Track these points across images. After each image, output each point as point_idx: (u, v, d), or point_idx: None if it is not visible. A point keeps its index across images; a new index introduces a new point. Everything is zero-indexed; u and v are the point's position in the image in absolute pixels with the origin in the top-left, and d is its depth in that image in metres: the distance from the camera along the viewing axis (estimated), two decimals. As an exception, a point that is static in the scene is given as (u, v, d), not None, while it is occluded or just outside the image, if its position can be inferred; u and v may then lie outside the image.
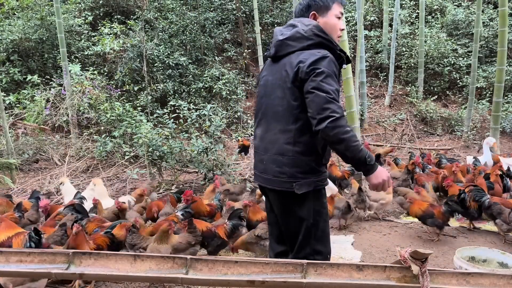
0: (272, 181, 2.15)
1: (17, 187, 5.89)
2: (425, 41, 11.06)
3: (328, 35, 2.12)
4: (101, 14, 11.15)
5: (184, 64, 10.11)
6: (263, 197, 4.42)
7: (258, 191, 4.56)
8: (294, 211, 2.17)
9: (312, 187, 2.11)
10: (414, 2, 13.13)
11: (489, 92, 10.29)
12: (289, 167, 2.08)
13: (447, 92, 11.33)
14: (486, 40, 11.52)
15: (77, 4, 10.81)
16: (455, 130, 9.74)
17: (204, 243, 3.34)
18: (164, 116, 6.16)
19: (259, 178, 2.27)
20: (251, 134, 9.24)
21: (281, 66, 2.14)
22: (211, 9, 12.26)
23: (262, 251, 3.44)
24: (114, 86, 9.11)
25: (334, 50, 2.12)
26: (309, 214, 2.15)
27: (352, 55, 9.80)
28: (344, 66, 2.20)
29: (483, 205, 4.11)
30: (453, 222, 4.51)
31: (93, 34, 10.33)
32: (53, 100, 7.99)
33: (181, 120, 6.73)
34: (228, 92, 9.92)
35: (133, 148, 6.30)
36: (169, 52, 10.17)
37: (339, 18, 2.23)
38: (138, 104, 8.82)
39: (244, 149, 7.58)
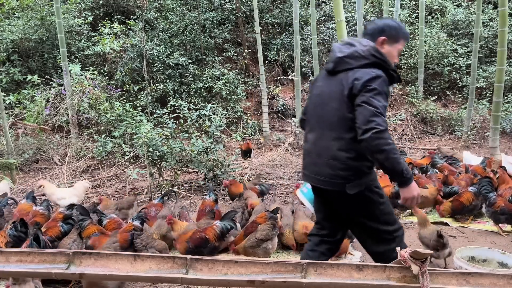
0: (327, 183, 2.36)
1: (17, 187, 5.89)
2: (425, 41, 11.06)
3: (383, 56, 2.35)
4: (101, 14, 11.15)
5: (184, 64, 10.11)
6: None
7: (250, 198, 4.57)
8: (359, 207, 2.38)
9: (363, 187, 2.31)
10: (414, 2, 13.12)
11: (489, 92, 10.28)
12: (342, 171, 2.29)
13: (447, 92, 11.32)
14: (486, 40, 11.52)
15: (77, 4, 10.81)
16: (455, 130, 9.74)
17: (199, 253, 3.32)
18: (164, 116, 6.16)
19: (312, 179, 2.48)
20: (251, 134, 9.24)
21: (338, 80, 2.34)
22: (211, 9, 12.25)
23: (265, 253, 3.43)
24: (114, 86, 9.11)
25: (387, 69, 2.32)
26: (375, 207, 2.37)
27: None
28: (395, 84, 2.40)
29: (488, 201, 4.13)
30: (453, 222, 4.52)
31: (93, 34, 10.33)
32: (53, 100, 7.99)
33: (181, 120, 6.72)
34: (228, 92, 9.93)
35: (133, 148, 6.30)
36: (169, 52, 10.17)
37: (399, 53, 2.54)
38: (138, 104, 8.82)
39: (246, 152, 7.47)
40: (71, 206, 4.03)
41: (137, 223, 3.57)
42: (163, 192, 5.02)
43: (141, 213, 3.77)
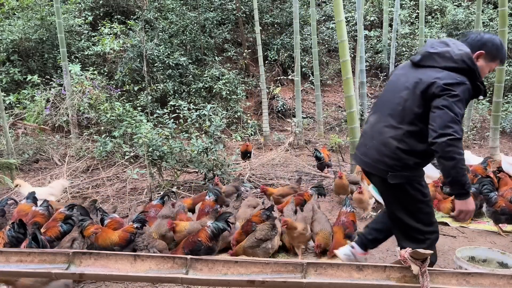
0: (371, 166, 2.43)
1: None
2: (425, 41, 11.02)
3: (475, 65, 2.28)
4: (101, 14, 11.15)
5: (184, 64, 10.11)
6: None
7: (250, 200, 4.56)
8: (397, 198, 2.42)
9: (404, 180, 2.33)
10: (414, 2, 13.13)
11: (489, 92, 10.28)
12: (389, 159, 2.33)
13: (447, 92, 11.32)
14: (486, 40, 11.51)
15: (77, 4, 10.81)
16: (455, 130, 9.73)
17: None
18: (164, 116, 6.16)
19: (359, 160, 2.55)
20: (251, 134, 9.24)
21: (418, 73, 2.33)
22: (211, 9, 12.26)
23: (264, 253, 3.42)
24: (114, 86, 9.11)
25: (474, 80, 2.27)
26: (412, 203, 2.39)
27: (352, 55, 9.81)
28: (481, 97, 2.39)
29: (489, 201, 4.12)
30: (453, 222, 4.52)
31: (93, 34, 10.33)
32: (53, 100, 7.99)
33: (181, 120, 6.72)
34: (228, 92, 9.93)
35: (133, 148, 6.30)
36: (169, 52, 10.17)
37: (490, 71, 2.47)
38: (138, 104, 8.82)
39: (246, 153, 7.46)
40: (71, 207, 4.02)
41: (136, 225, 3.57)
42: (162, 193, 5.02)
43: (141, 216, 3.78)
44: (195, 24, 11.26)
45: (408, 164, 2.32)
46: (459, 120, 2.14)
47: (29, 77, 8.50)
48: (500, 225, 4.21)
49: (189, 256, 1.74)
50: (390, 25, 11.61)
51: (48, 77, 8.62)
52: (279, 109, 10.78)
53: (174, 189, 5.60)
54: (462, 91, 2.17)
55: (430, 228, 2.44)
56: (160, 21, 10.99)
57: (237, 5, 11.91)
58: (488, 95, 10.26)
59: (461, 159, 2.14)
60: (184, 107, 6.51)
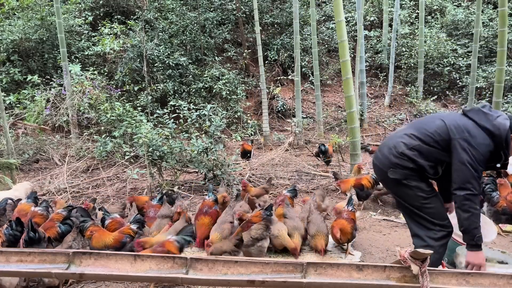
0: (379, 160, 2.72)
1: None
2: (425, 41, 11.06)
3: (507, 139, 2.46)
4: (101, 14, 11.16)
5: (184, 64, 10.11)
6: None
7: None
8: (398, 193, 2.67)
9: (403, 177, 2.58)
10: (414, 2, 13.13)
11: (489, 92, 10.28)
12: (394, 158, 2.61)
13: (447, 92, 11.32)
14: (486, 40, 11.52)
15: (77, 4, 10.82)
16: (455, 130, 9.72)
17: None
18: (164, 116, 6.16)
19: (375, 154, 2.83)
20: (251, 134, 9.24)
21: (459, 118, 2.58)
22: (211, 9, 12.26)
23: (259, 252, 3.40)
24: (114, 86, 9.12)
25: (499, 148, 2.47)
26: (414, 198, 2.59)
27: (352, 55, 9.81)
28: (498, 165, 2.58)
29: (491, 200, 4.12)
30: (453, 222, 4.52)
31: (93, 34, 10.33)
32: (53, 100, 8.00)
33: (181, 120, 6.72)
34: (228, 92, 9.93)
35: (133, 148, 6.30)
36: (169, 52, 10.17)
37: None
38: (138, 104, 8.82)
39: (245, 153, 7.45)
40: (70, 208, 4.00)
41: (134, 227, 3.55)
42: (163, 193, 5.01)
43: (138, 216, 3.76)
44: (195, 24, 11.26)
45: (408, 166, 2.56)
46: (478, 176, 2.39)
47: (29, 77, 8.51)
48: (500, 225, 4.21)
49: (189, 256, 1.74)
50: (390, 25, 11.61)
51: (48, 77, 8.63)
52: (279, 109, 10.79)
53: (174, 189, 5.61)
54: (486, 151, 2.41)
55: (442, 222, 2.57)
56: (160, 21, 10.99)
57: (237, 5, 11.91)
58: (488, 95, 10.28)
59: (475, 213, 2.37)
60: (184, 107, 6.51)
